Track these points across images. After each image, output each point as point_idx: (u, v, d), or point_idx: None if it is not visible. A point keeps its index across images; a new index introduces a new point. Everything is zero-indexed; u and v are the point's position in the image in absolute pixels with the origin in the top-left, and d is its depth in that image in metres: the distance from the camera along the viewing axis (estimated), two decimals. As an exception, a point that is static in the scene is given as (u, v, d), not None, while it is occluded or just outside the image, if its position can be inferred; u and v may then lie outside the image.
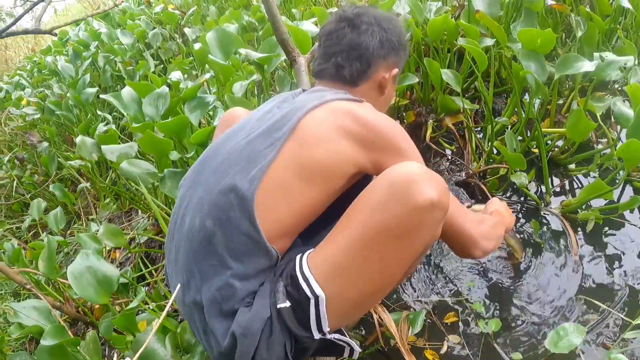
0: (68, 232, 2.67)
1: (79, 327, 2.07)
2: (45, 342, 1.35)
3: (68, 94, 2.98)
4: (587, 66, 1.54)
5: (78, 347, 1.46)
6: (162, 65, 3.16)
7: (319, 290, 0.92)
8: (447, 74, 1.65)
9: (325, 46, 1.18)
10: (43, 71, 3.85)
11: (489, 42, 1.81)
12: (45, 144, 2.86)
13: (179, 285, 1.01)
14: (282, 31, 1.78)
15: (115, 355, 1.50)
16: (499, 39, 1.72)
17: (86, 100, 2.82)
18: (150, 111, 1.96)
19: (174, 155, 1.81)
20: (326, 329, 0.94)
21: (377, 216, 0.91)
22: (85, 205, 2.86)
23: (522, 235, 1.66)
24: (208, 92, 2.28)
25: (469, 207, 1.48)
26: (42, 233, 2.52)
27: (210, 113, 2.13)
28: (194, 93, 1.94)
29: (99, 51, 3.30)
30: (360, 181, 1.07)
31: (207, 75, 1.97)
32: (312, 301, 0.92)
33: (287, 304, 0.92)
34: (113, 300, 1.87)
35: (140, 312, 1.58)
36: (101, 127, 2.48)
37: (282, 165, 0.97)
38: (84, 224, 2.72)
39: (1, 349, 1.75)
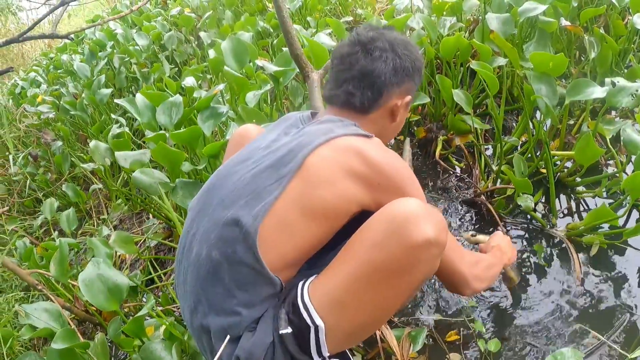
0: (79, 231, 2.71)
1: (87, 326, 2.11)
2: (56, 345, 1.38)
3: (83, 94, 3.03)
4: (598, 92, 1.54)
5: (87, 350, 1.50)
6: (176, 69, 3.20)
7: (318, 321, 0.95)
8: (458, 95, 1.67)
9: (337, 71, 1.18)
10: (59, 70, 3.89)
11: (502, 61, 1.82)
12: (59, 142, 2.90)
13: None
14: (296, 47, 1.80)
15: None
16: (512, 60, 1.73)
17: (101, 101, 2.86)
18: (164, 120, 1.99)
19: (186, 166, 1.85)
20: (326, 354, 0.98)
21: (375, 254, 0.93)
22: (97, 205, 2.90)
23: (525, 257, 1.67)
24: (222, 99, 2.30)
25: (473, 235, 1.50)
26: (54, 231, 2.56)
27: (224, 120, 2.16)
28: (208, 103, 1.96)
29: (115, 52, 3.34)
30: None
31: (221, 86, 1.99)
32: (312, 329, 0.95)
33: (289, 330, 0.96)
34: (122, 304, 1.91)
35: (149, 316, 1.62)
36: (115, 130, 2.51)
37: (286, 202, 0.98)
38: (95, 224, 2.76)
39: (11, 347, 1.79)
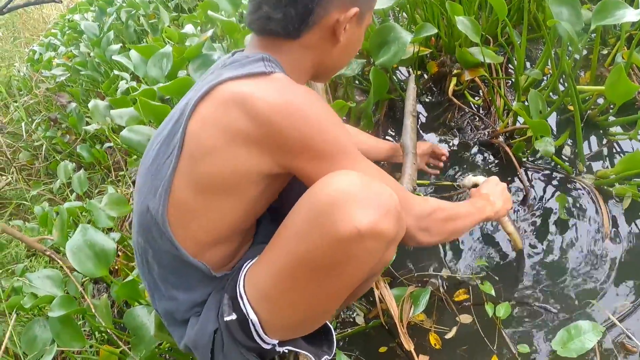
0: (97, 190, 2.70)
1: (101, 285, 2.11)
2: (53, 313, 1.36)
3: (92, 53, 2.96)
4: (630, 15, 1.27)
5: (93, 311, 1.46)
6: (186, 14, 3.05)
7: (252, 314, 0.85)
8: (463, 23, 1.43)
9: None
10: (70, 30, 3.84)
11: (521, -18, 1.56)
12: (74, 104, 2.87)
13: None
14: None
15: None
16: (530, -21, 1.47)
17: (110, 58, 2.77)
18: (155, 72, 1.90)
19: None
20: (271, 342, 0.88)
21: (299, 245, 0.78)
22: (117, 161, 2.88)
23: (547, 208, 1.48)
24: (223, 45, 2.15)
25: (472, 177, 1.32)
26: (71, 194, 2.56)
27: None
28: (198, 51, 1.83)
29: (123, 6, 3.24)
30: None
31: (209, 32, 1.85)
32: (250, 321, 0.86)
33: (233, 316, 0.86)
34: (128, 263, 1.88)
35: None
36: (123, 85, 2.44)
37: (181, 181, 0.84)
38: (116, 181, 2.73)
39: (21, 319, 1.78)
